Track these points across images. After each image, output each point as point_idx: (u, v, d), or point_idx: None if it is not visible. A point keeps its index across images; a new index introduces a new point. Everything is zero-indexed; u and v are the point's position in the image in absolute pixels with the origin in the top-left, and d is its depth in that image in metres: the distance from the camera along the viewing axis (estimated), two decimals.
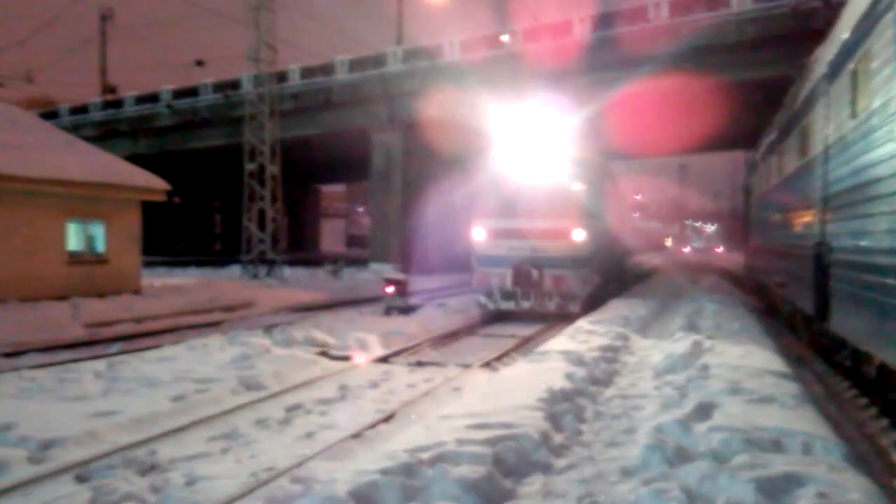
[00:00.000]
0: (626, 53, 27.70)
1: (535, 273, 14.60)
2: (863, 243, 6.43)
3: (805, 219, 9.82)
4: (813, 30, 20.23)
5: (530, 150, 15.64)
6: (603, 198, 16.72)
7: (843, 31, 7.74)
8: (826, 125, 8.31)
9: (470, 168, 16.87)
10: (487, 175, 15.82)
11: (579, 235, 14.68)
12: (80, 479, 5.21)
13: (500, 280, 14.88)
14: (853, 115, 6.93)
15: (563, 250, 14.62)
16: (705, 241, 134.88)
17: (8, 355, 10.52)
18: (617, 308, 14.66)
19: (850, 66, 7.10)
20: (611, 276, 18.84)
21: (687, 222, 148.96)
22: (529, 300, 14.70)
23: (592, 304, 15.08)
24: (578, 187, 15.16)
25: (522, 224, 14.92)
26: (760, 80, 25.82)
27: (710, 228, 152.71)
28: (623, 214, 25.45)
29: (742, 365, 7.93)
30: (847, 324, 7.18)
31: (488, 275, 15.12)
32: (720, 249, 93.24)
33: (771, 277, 14.56)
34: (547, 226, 14.75)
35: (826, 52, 8.86)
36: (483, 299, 15.32)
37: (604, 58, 28.43)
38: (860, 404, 7.75)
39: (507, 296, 14.90)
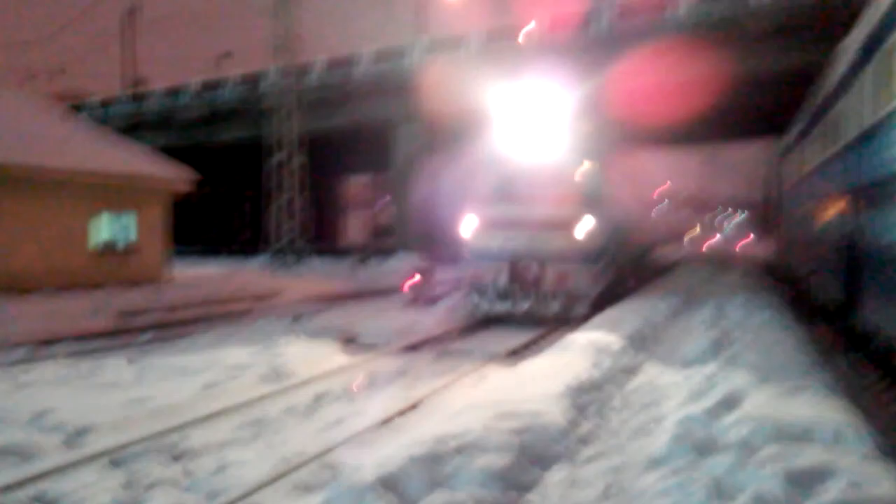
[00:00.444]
0: (649, 42, 27.36)
1: (534, 268, 12.75)
2: None
3: (838, 208, 9.65)
4: (843, 14, 19.79)
5: (531, 126, 13.83)
6: (619, 181, 14.93)
7: (875, 15, 7.57)
8: (860, 112, 8.14)
9: (466, 149, 15.28)
10: (481, 156, 14.21)
11: (587, 224, 12.72)
12: (115, 464, 5.32)
13: (494, 277, 13.05)
14: (887, 100, 6.78)
15: (567, 242, 12.73)
16: (735, 230, 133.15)
17: (43, 343, 10.75)
18: (643, 298, 14.55)
19: (886, 49, 6.94)
20: (629, 270, 16.92)
21: (717, 211, 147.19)
22: (528, 300, 12.75)
23: (603, 304, 13.11)
24: (587, 169, 13.32)
25: (521, 212, 13.05)
26: (790, 67, 25.33)
27: (741, 217, 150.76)
28: (646, 200, 23.58)
29: (771, 355, 7.84)
30: (879, 314, 7.06)
31: (481, 270, 13.29)
32: (750, 239, 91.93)
33: (802, 267, 14.33)
34: (549, 214, 12.86)
35: (859, 36, 8.67)
36: (475, 299, 13.33)
37: (627, 47, 28.08)
38: (892, 396, 7.63)
39: (503, 295, 12.98)
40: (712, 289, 17.41)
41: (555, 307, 12.59)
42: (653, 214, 26.91)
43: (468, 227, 13.54)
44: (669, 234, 72.49)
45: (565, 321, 12.23)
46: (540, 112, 14.05)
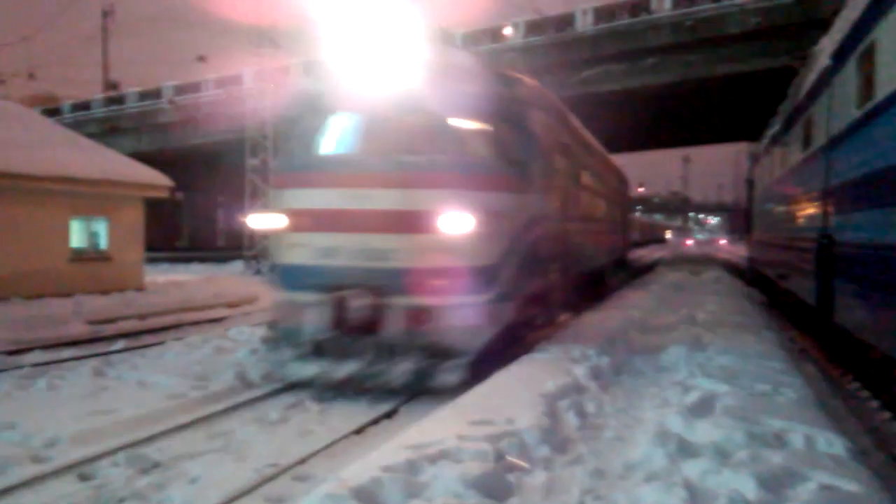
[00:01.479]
0: (628, 46, 27.66)
1: (365, 304, 7.48)
2: (865, 235, 6.40)
3: (808, 211, 9.78)
4: (817, 19, 20.17)
5: (380, 56, 8.08)
6: (543, 157, 9.35)
7: (848, 20, 7.69)
8: (830, 116, 8.27)
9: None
10: (294, 109, 8.82)
11: (462, 224, 7.54)
12: (83, 478, 5.22)
13: (308, 316, 7.73)
14: (858, 105, 6.90)
15: (431, 257, 7.54)
16: (708, 234, 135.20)
17: (12, 353, 10.54)
18: (618, 299, 14.64)
19: (856, 56, 7.06)
20: (565, 293, 11.26)
21: (690, 215, 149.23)
22: (359, 358, 7.49)
23: (500, 359, 7.85)
24: (477, 128, 8.07)
25: (350, 201, 7.68)
26: (764, 71, 25.73)
27: (714, 221, 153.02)
28: (608, 195, 17.64)
29: (744, 359, 7.93)
30: (850, 316, 7.16)
31: (290, 305, 8.01)
32: (723, 242, 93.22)
33: (774, 270, 14.51)
34: (399, 205, 7.58)
35: (830, 43, 8.81)
36: (273, 354, 8.18)
37: (607, 50, 28.33)
38: (863, 397, 7.74)
39: (321, 347, 7.71)
40: (685, 291, 17.58)
41: (401, 371, 7.36)
42: (621, 212, 22.73)
43: (273, 227, 8.59)
44: (645, 237, 73.03)
45: (424, 391, 7.55)
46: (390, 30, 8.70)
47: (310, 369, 7.62)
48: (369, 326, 7.54)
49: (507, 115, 8.32)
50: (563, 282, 10.85)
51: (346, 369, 7.47)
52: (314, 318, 7.67)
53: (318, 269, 7.82)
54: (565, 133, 11.24)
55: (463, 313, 7.59)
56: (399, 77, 7.89)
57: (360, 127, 8.15)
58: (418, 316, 7.52)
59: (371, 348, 7.52)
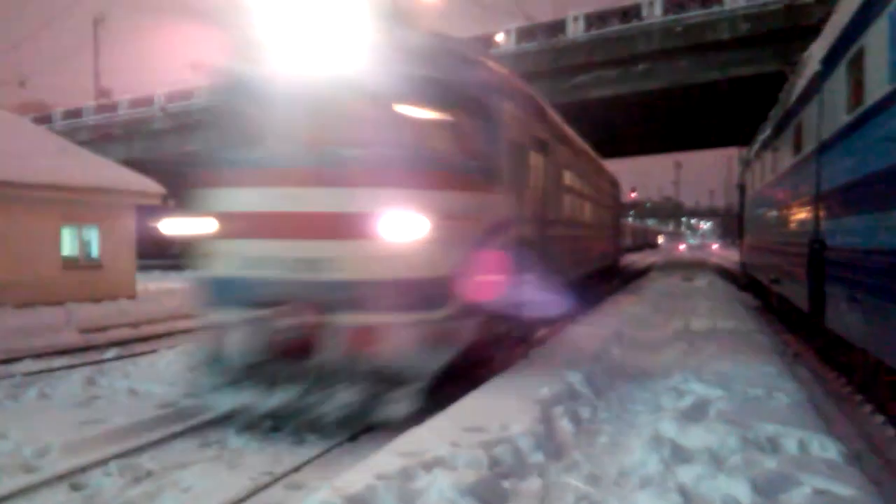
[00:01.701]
0: (620, 52, 27.79)
1: (300, 322, 6.50)
2: (857, 240, 6.43)
3: (800, 216, 9.83)
4: (807, 25, 20.31)
5: (319, 34, 6.82)
6: (513, 153, 8.31)
7: (837, 27, 7.75)
8: (820, 121, 8.32)
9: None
10: (219, 95, 7.85)
11: (414, 228, 6.54)
12: (75, 487, 5.19)
13: (234, 337, 6.75)
14: (847, 111, 6.94)
15: (377, 266, 6.53)
16: (700, 239, 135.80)
17: (3, 362, 10.47)
18: (615, 303, 14.65)
19: (845, 62, 7.11)
20: (544, 308, 9.57)
21: (682, 219, 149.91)
22: (294, 385, 6.43)
23: (461, 383, 7.07)
24: (431, 117, 7.08)
25: (283, 203, 6.68)
26: (754, 76, 25.88)
27: (706, 225, 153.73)
28: (596, 198, 16.89)
29: (737, 363, 7.95)
30: (842, 321, 7.19)
31: (213, 324, 7.07)
32: (716, 246, 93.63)
33: (767, 274, 14.56)
34: (340, 207, 6.56)
35: (820, 49, 8.87)
36: (198, 380, 7.15)
37: (598, 57, 28.45)
38: (856, 401, 7.77)
39: (251, 373, 6.62)
40: (679, 296, 17.61)
41: (338, 404, 6.32)
42: (613, 217, 22.19)
43: (196, 232, 7.26)
44: (638, 242, 73.22)
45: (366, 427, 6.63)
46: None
47: (230, 401, 6.55)
48: (305, 349, 6.49)
49: (468, 102, 7.28)
50: (541, 292, 9.62)
51: (272, 401, 6.40)
52: (241, 340, 6.65)
53: (245, 282, 6.75)
54: (542, 127, 10.21)
55: (415, 332, 6.56)
56: (341, 58, 6.72)
57: (296, 116, 6.84)
58: (362, 336, 6.48)
59: (306, 375, 6.43)
